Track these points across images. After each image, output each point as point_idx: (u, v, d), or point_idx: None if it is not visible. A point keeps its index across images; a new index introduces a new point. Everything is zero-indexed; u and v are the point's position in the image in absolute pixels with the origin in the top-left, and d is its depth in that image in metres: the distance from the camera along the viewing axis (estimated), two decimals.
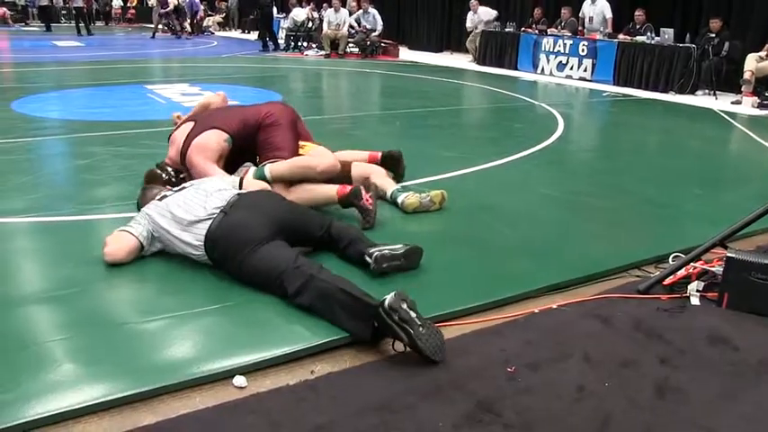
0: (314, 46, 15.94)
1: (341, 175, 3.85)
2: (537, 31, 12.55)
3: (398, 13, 17.84)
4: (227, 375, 2.15)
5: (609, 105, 9.09)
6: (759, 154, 6.14)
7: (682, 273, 2.97)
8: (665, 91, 10.01)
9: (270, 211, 2.91)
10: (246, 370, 2.17)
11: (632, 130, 7.23)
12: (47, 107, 7.23)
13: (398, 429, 1.93)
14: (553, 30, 12.34)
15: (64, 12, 28.36)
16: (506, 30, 13.19)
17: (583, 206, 4.10)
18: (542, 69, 12.16)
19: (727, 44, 9.57)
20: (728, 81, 9.72)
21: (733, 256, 2.76)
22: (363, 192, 3.48)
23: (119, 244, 2.93)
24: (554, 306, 2.75)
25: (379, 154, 4.26)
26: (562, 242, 3.43)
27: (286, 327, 2.44)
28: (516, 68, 12.64)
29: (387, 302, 2.26)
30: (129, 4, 30.40)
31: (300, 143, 3.93)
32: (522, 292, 2.82)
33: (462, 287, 2.83)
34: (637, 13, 11.00)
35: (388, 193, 3.86)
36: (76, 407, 1.95)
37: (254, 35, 19.55)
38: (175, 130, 4.03)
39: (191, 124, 3.88)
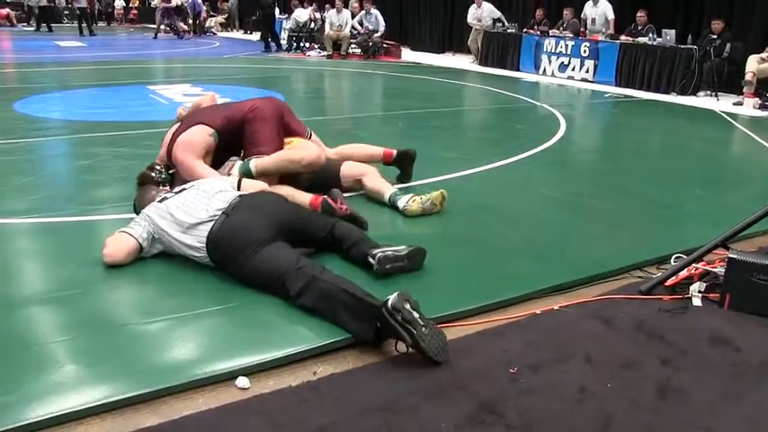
0: (316, 47, 15.95)
1: (329, 174, 3.84)
2: (539, 33, 12.54)
3: (400, 13, 17.83)
4: (230, 376, 2.15)
5: (611, 106, 9.09)
6: (760, 155, 6.13)
7: (683, 274, 2.97)
8: (666, 92, 10.00)
9: (271, 212, 2.91)
10: (249, 371, 2.18)
11: (634, 131, 7.23)
12: (49, 108, 7.24)
13: (401, 430, 1.93)
14: (555, 31, 12.34)
15: (66, 12, 28.41)
16: (508, 31, 13.19)
17: (585, 207, 4.11)
18: (544, 70, 12.16)
19: (728, 45, 9.56)
20: (730, 82, 9.71)
21: (735, 257, 2.76)
22: (333, 204, 3.43)
23: (118, 245, 2.93)
24: (556, 307, 2.75)
25: (395, 151, 4.28)
26: (564, 243, 3.44)
27: (288, 328, 2.44)
28: (518, 69, 12.64)
29: (390, 303, 2.26)
30: (131, 5, 30.44)
31: (287, 139, 3.92)
32: (525, 293, 2.82)
33: (465, 288, 2.83)
34: (639, 14, 11.00)
35: (386, 196, 3.81)
36: (79, 408, 1.96)
37: (256, 36, 19.56)
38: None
39: (179, 124, 3.91)
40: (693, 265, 2.99)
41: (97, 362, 2.19)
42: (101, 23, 26.92)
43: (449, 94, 9.93)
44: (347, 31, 14.82)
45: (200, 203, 2.90)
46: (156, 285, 2.81)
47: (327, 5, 16.68)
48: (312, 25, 16.59)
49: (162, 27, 20.73)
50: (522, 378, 2.21)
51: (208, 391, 2.10)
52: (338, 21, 14.86)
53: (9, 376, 2.09)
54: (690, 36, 10.17)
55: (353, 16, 15.13)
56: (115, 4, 28.95)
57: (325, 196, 3.50)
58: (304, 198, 3.54)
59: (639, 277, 3.10)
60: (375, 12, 15.01)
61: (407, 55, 15.70)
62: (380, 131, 6.64)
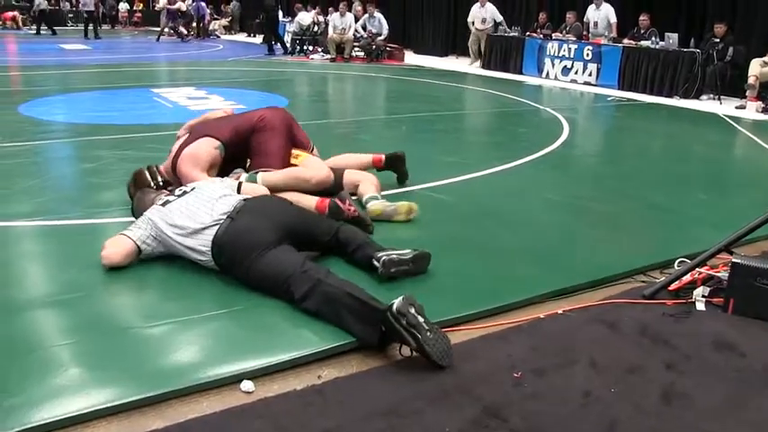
0: (319, 50, 15.98)
1: (334, 183, 3.85)
2: (542, 36, 12.55)
3: (404, 17, 17.87)
4: (235, 380, 2.15)
5: (613, 110, 9.09)
6: (764, 159, 6.13)
7: (687, 278, 2.97)
8: (669, 95, 10.00)
9: (276, 215, 2.92)
10: (254, 375, 2.18)
11: (637, 135, 7.23)
12: (54, 110, 7.27)
13: None
14: (558, 34, 12.35)
15: (71, 15, 28.51)
16: (511, 34, 13.21)
17: (588, 211, 4.11)
18: (547, 74, 12.16)
19: (731, 49, 9.56)
20: (733, 86, 9.70)
21: (738, 261, 2.76)
22: (341, 205, 3.44)
23: (116, 247, 2.94)
24: (560, 311, 2.75)
25: (383, 156, 4.29)
26: (567, 247, 3.44)
27: (293, 331, 2.45)
28: (521, 73, 12.65)
29: (395, 307, 2.26)
30: (135, 8, 30.53)
31: (295, 152, 3.92)
32: (528, 297, 2.82)
33: (469, 292, 2.84)
34: (641, 17, 11.01)
35: (363, 199, 3.78)
36: (84, 411, 1.96)
37: (259, 39, 19.60)
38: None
39: (186, 135, 3.90)
40: (697, 269, 2.99)
41: (102, 365, 2.20)
42: (105, 26, 26.99)
43: (452, 97, 9.95)
44: (350, 34, 14.85)
45: (204, 208, 2.91)
46: (159, 289, 2.82)
47: (331, 9, 16.73)
48: (315, 28, 16.63)
49: (166, 30, 20.78)
50: (527, 382, 2.22)
51: (213, 395, 2.10)
52: (341, 24, 14.88)
53: (14, 379, 2.10)
54: (692, 40, 10.16)
55: (357, 20, 15.15)
56: (119, 7, 29.03)
57: (334, 198, 3.50)
58: (310, 201, 3.54)
59: (643, 282, 3.09)
60: (378, 15, 15.04)
61: (410, 58, 15.73)
62: (384, 135, 6.65)
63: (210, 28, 23.10)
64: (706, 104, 9.46)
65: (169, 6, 20.38)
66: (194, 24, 21.66)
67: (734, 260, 2.77)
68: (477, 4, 13.75)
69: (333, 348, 2.34)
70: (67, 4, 28.74)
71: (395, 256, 2.84)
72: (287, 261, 2.67)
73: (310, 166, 3.82)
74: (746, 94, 9.14)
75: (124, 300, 2.75)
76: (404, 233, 3.53)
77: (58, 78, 10.29)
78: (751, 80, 8.98)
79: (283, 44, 16.59)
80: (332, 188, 3.76)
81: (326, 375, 2.23)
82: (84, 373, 2.15)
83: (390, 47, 15.44)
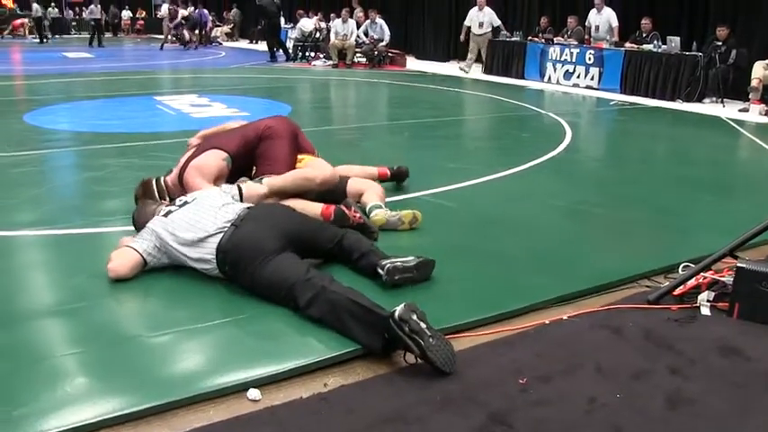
0: (321, 56, 16.01)
1: (338, 190, 3.86)
2: (543, 40, 12.56)
3: (405, 23, 17.90)
4: (241, 388, 2.16)
5: (616, 114, 9.09)
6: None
7: (692, 283, 2.97)
8: (672, 99, 9.99)
9: (280, 222, 2.93)
10: (260, 383, 2.19)
11: (640, 139, 7.23)
12: (58, 119, 7.30)
13: None
14: (560, 38, 12.36)
15: (74, 23, 28.66)
16: (513, 39, 13.22)
17: (591, 216, 4.11)
18: (549, 78, 12.17)
19: (734, 52, 9.55)
20: (736, 89, 9.70)
21: (743, 266, 2.76)
22: (347, 211, 3.45)
23: (122, 260, 2.94)
24: (564, 317, 2.75)
25: (389, 171, 4.41)
26: (571, 253, 3.44)
27: (298, 339, 2.45)
28: (523, 77, 12.65)
29: (397, 314, 2.27)
30: (137, 16, 30.64)
31: (300, 156, 3.94)
32: (533, 303, 2.83)
33: (473, 299, 2.84)
34: (643, 21, 11.01)
35: (367, 208, 3.77)
36: (92, 420, 1.97)
37: (261, 45, 19.65)
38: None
39: (194, 148, 3.92)
40: (701, 274, 2.99)
41: (109, 374, 2.21)
42: (107, 34, 27.13)
43: (454, 102, 9.96)
44: (352, 40, 14.88)
45: (208, 217, 2.92)
46: (164, 298, 2.83)
47: (333, 15, 16.77)
48: (317, 35, 16.67)
49: (169, 37, 20.87)
50: (532, 389, 2.22)
51: (219, 403, 2.11)
52: (343, 30, 14.92)
53: (22, 389, 2.11)
54: (695, 43, 10.17)
55: (359, 26, 15.18)
56: (122, 15, 29.15)
57: (339, 205, 3.51)
58: (315, 208, 3.55)
59: (647, 286, 3.10)
60: (380, 21, 15.07)
61: (412, 64, 15.75)
62: (387, 141, 6.67)
63: (212, 35, 23.18)
64: (709, 108, 9.45)
65: (171, 24, 20.51)
66: (197, 32, 21.72)
67: (739, 264, 2.78)
68: (476, 8, 13.59)
69: (338, 356, 2.35)
70: (71, 12, 28.87)
71: (399, 263, 2.85)
72: (291, 268, 2.68)
73: (314, 166, 3.84)
74: (749, 96, 9.12)
75: (130, 309, 2.76)
76: (407, 240, 3.54)
77: (63, 87, 10.33)
78: (754, 83, 8.97)
79: (286, 50, 16.63)
80: (336, 196, 3.77)
81: (332, 383, 2.23)
82: (92, 383, 2.16)
83: (392, 52, 15.47)
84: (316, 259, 2.97)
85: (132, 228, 3.38)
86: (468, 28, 13.64)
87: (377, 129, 7.52)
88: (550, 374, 2.31)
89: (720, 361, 2.45)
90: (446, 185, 4.61)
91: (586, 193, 4.65)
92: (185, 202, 3.09)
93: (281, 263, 2.70)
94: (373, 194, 3.85)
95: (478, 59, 13.89)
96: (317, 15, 17.67)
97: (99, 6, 21.67)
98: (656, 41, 10.60)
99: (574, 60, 11.69)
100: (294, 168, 3.82)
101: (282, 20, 18.15)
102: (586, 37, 11.96)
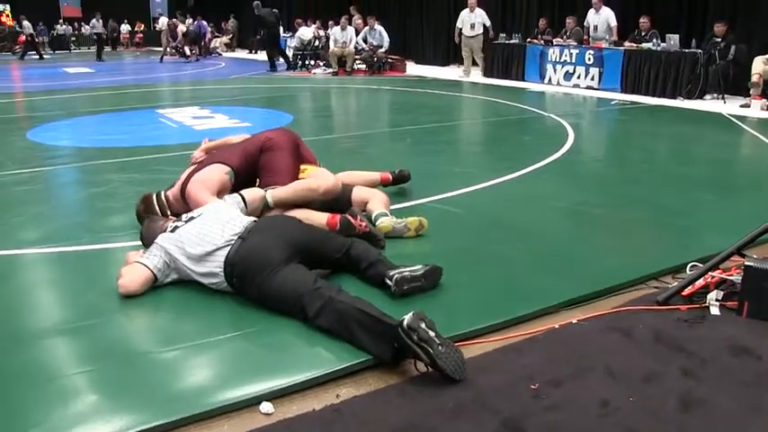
0: (321, 64, 16.06)
1: (342, 199, 3.87)
2: (543, 42, 12.58)
3: (404, 28, 17.95)
4: (254, 402, 2.16)
5: (618, 113, 9.09)
6: None
7: (700, 282, 2.96)
8: (673, 97, 10.00)
9: (286, 233, 2.94)
10: (272, 396, 2.19)
11: (643, 138, 7.23)
12: (61, 135, 7.32)
13: None
14: (559, 40, 12.37)
15: (73, 39, 28.78)
16: (512, 41, 13.23)
17: (597, 218, 4.11)
18: (549, 79, 12.18)
19: (733, 48, 9.56)
20: (736, 84, 9.71)
21: (751, 264, 2.75)
22: (352, 220, 3.46)
23: (132, 276, 2.95)
24: (574, 321, 2.75)
25: (390, 176, 4.43)
26: (578, 255, 3.44)
27: (309, 351, 2.46)
28: (523, 79, 12.67)
29: (405, 322, 2.27)
30: (136, 29, 30.76)
31: (302, 167, 3.96)
32: (541, 308, 2.83)
33: (481, 305, 2.84)
34: (641, 20, 11.01)
35: (373, 216, 3.78)
36: None
37: (260, 55, 19.71)
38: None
39: (198, 163, 3.93)
40: (709, 273, 2.98)
41: (121, 392, 2.21)
42: (106, 48, 27.27)
43: (455, 107, 9.97)
44: (352, 47, 14.91)
45: (215, 230, 2.92)
46: (174, 312, 2.83)
47: (331, 23, 16.82)
48: (317, 43, 16.72)
49: (168, 50, 20.94)
50: (544, 394, 2.22)
51: (232, 418, 2.11)
52: (342, 38, 14.95)
53: (35, 408, 2.12)
54: (694, 40, 10.18)
55: (357, 33, 15.21)
56: (120, 28, 29.27)
57: (345, 214, 3.52)
58: (321, 218, 3.56)
59: (655, 287, 3.09)
60: (379, 27, 15.09)
61: (412, 69, 15.79)
62: (389, 148, 6.67)
63: (212, 46, 23.26)
64: (710, 104, 9.46)
65: (173, 43, 20.60)
66: (195, 44, 21.80)
67: (747, 263, 2.77)
68: (467, 10, 13.49)
69: (349, 367, 2.35)
70: (70, 27, 29.00)
71: (407, 273, 2.85)
72: (299, 279, 2.69)
73: (317, 176, 3.85)
74: (750, 92, 9.13)
75: (140, 324, 2.77)
76: (414, 247, 3.54)
77: (64, 102, 10.37)
78: (754, 78, 8.98)
79: (287, 59, 16.67)
80: (341, 205, 3.78)
81: (344, 394, 2.23)
82: (104, 401, 2.16)
83: (392, 58, 15.50)
84: (324, 270, 2.97)
85: (138, 243, 3.40)
86: (461, 30, 13.61)
87: (379, 136, 7.53)
88: (562, 379, 2.31)
89: (732, 361, 2.44)
90: (451, 191, 4.61)
91: (591, 195, 4.64)
92: (192, 218, 3.10)
93: (289, 274, 2.71)
94: (378, 202, 3.85)
95: (475, 62, 13.89)
96: (315, 24, 17.71)
97: (101, 21, 21.81)
98: (655, 40, 10.60)
99: (573, 61, 11.70)
100: (297, 179, 3.83)
101: (281, 29, 18.19)
102: (585, 37, 11.97)
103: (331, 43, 15.16)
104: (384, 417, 2.10)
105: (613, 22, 11.53)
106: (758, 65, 9.00)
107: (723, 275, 2.99)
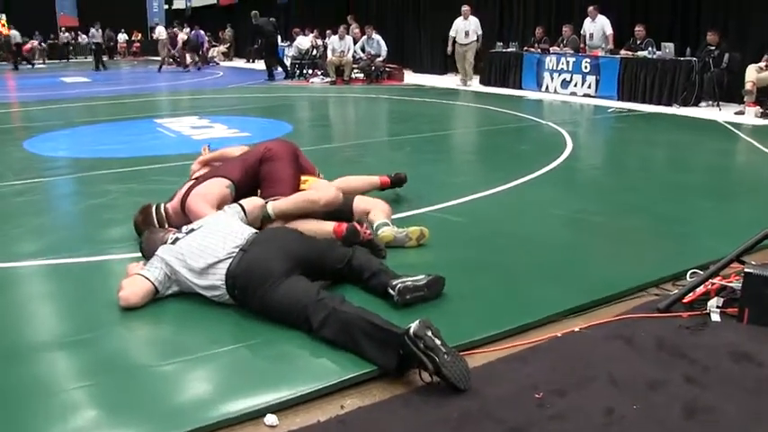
0: (319, 73, 16.09)
1: (344, 209, 3.87)
2: (539, 50, 12.63)
3: (402, 37, 18.00)
4: (258, 414, 2.15)
5: (615, 121, 9.12)
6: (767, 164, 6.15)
7: (700, 289, 2.98)
8: (668, 104, 10.04)
9: (287, 245, 2.94)
10: (276, 408, 2.18)
11: (640, 146, 7.26)
12: (59, 146, 7.33)
13: None
14: (555, 48, 12.43)
15: (70, 48, 28.85)
16: (509, 49, 13.28)
17: (596, 226, 4.12)
18: (546, 87, 12.23)
19: (727, 56, 9.61)
20: (730, 92, 9.77)
21: (751, 271, 2.76)
22: (359, 228, 3.48)
23: (133, 288, 2.94)
24: (576, 329, 2.75)
25: (389, 179, 4.48)
26: (579, 264, 3.45)
27: (313, 362, 2.46)
28: (521, 88, 12.71)
29: (412, 330, 2.28)
30: (133, 38, 30.83)
31: (303, 177, 3.97)
32: (544, 316, 2.83)
33: (484, 314, 2.84)
34: (637, 28, 11.06)
35: (374, 226, 3.78)
36: None
37: (258, 64, 19.75)
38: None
39: (198, 176, 3.94)
40: (710, 280, 2.99)
41: (122, 406, 2.20)
42: (103, 57, 27.34)
43: (453, 115, 10.00)
44: (350, 56, 14.95)
45: (217, 242, 2.92)
46: (175, 325, 2.83)
47: (329, 32, 16.86)
48: (314, 52, 16.76)
49: (165, 59, 20.99)
50: (549, 403, 2.22)
51: (237, 430, 2.11)
52: (340, 47, 14.99)
53: (35, 423, 2.11)
54: (688, 48, 10.24)
55: (355, 42, 15.25)
56: (118, 38, 29.34)
57: (352, 223, 3.54)
58: (327, 227, 3.58)
59: (656, 295, 3.10)
60: (377, 36, 15.13)
61: (410, 77, 15.83)
62: (389, 157, 6.68)
63: (209, 55, 23.32)
64: (705, 111, 9.49)
65: (172, 51, 20.64)
66: (195, 52, 21.86)
67: (747, 270, 2.78)
68: (460, 18, 13.48)
69: (353, 378, 2.34)
70: (69, 35, 29.09)
71: (410, 282, 2.85)
72: (302, 291, 2.69)
73: (317, 188, 3.86)
74: (744, 99, 9.19)
75: (141, 337, 2.76)
76: (416, 257, 3.54)
77: (61, 112, 10.37)
78: (748, 86, 9.03)
79: (285, 68, 16.71)
80: (342, 216, 3.78)
81: (349, 405, 2.23)
82: (105, 416, 2.15)
83: (390, 67, 15.54)
84: (325, 281, 2.97)
85: (137, 254, 3.39)
86: (455, 38, 13.60)
87: (378, 145, 7.54)
88: (566, 388, 2.31)
89: (734, 367, 2.45)
90: (451, 200, 4.62)
91: (590, 203, 4.66)
92: (192, 230, 3.10)
93: (292, 286, 2.71)
94: (380, 212, 3.86)
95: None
96: (312, 33, 17.77)
97: (100, 30, 21.87)
98: (650, 48, 10.65)
99: (570, 69, 11.75)
100: (298, 189, 3.84)
101: (279, 38, 18.24)
102: (582, 45, 12.02)
103: (329, 52, 15.19)
104: (389, 428, 2.09)
105: (609, 31, 11.58)
106: (751, 73, 9.05)
107: (723, 282, 3.00)
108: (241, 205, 3.46)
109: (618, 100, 10.79)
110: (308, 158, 4.28)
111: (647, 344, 2.63)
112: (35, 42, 25.94)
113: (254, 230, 3.07)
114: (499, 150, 7.22)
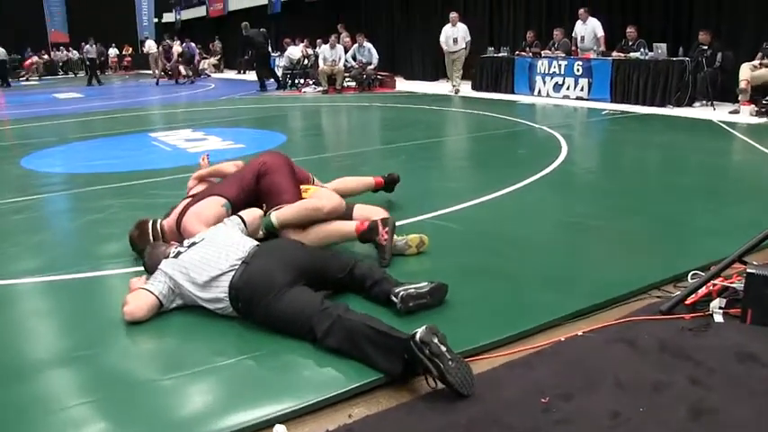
0: (311, 83, 16.12)
1: (345, 217, 3.87)
2: (531, 54, 12.67)
3: (393, 44, 18.05)
4: (266, 425, 2.15)
5: (609, 123, 9.15)
6: (764, 163, 6.17)
7: (703, 291, 2.98)
8: (662, 105, 10.08)
9: (288, 256, 2.95)
10: (284, 418, 2.18)
11: (635, 148, 7.28)
12: (55, 162, 7.31)
13: None
14: (547, 51, 12.47)
15: (61, 64, 28.84)
16: (500, 54, 13.32)
17: (595, 229, 4.13)
18: (539, 91, 12.27)
19: (719, 55, 9.66)
20: (724, 91, 9.81)
21: (753, 271, 2.77)
22: (380, 227, 3.52)
23: (138, 302, 2.94)
24: (579, 333, 2.76)
25: (383, 180, 4.62)
26: (579, 268, 3.45)
27: (319, 371, 2.46)
28: (513, 92, 12.75)
29: (418, 336, 2.28)
30: (124, 53, 30.83)
31: (303, 187, 3.98)
32: (546, 321, 2.83)
33: (487, 320, 2.85)
34: (628, 29, 11.11)
35: None
36: None
37: (249, 75, 19.76)
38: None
39: (192, 197, 3.94)
40: (711, 281, 3.00)
41: (127, 421, 2.19)
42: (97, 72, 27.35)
43: (447, 121, 10.02)
44: (341, 65, 14.98)
45: (220, 254, 2.92)
46: (179, 338, 2.82)
47: (320, 41, 16.89)
48: (306, 62, 16.78)
49: (156, 72, 20.98)
50: (555, 407, 2.22)
51: None
52: (332, 56, 15.01)
53: None
54: (681, 48, 10.28)
55: (346, 50, 15.29)
56: (108, 52, 29.33)
57: (378, 220, 3.59)
58: (350, 226, 3.63)
59: (658, 297, 3.11)
60: (368, 45, 15.18)
61: (402, 85, 15.87)
62: (384, 165, 6.63)
63: (201, 67, 23.33)
64: (700, 111, 9.54)
65: (168, 64, 20.63)
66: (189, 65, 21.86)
67: (749, 270, 2.78)
68: (449, 25, 13.42)
69: (360, 386, 2.34)
70: (59, 52, 29.08)
71: (412, 290, 2.86)
72: (305, 301, 2.70)
73: (320, 196, 3.86)
74: (739, 98, 9.22)
75: (145, 351, 2.75)
76: (416, 264, 3.55)
77: (56, 129, 10.36)
78: (742, 85, 9.07)
79: (277, 78, 16.74)
80: (342, 219, 3.79)
81: (357, 413, 2.23)
82: (111, 431, 2.14)
83: (381, 75, 15.58)
84: (327, 291, 2.97)
85: (138, 269, 3.38)
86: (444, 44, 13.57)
87: (373, 153, 7.55)
88: (571, 392, 2.31)
89: (738, 368, 2.45)
90: (449, 207, 4.62)
91: (588, 206, 4.67)
92: (194, 243, 3.10)
93: (296, 296, 2.71)
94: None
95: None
96: (303, 42, 17.80)
97: (94, 46, 21.86)
98: (642, 49, 10.69)
99: (562, 72, 11.79)
100: (300, 197, 3.84)
101: (270, 49, 18.27)
102: (573, 48, 12.06)
103: (320, 62, 15.22)
104: None
105: (600, 33, 11.63)
106: (745, 71, 9.09)
107: (725, 283, 3.00)
108: (241, 217, 3.46)
109: (611, 102, 10.83)
110: (303, 167, 4.29)
111: (651, 346, 2.63)
112: (35, 58, 25.96)
113: (256, 242, 3.07)
114: (494, 155, 7.23)
